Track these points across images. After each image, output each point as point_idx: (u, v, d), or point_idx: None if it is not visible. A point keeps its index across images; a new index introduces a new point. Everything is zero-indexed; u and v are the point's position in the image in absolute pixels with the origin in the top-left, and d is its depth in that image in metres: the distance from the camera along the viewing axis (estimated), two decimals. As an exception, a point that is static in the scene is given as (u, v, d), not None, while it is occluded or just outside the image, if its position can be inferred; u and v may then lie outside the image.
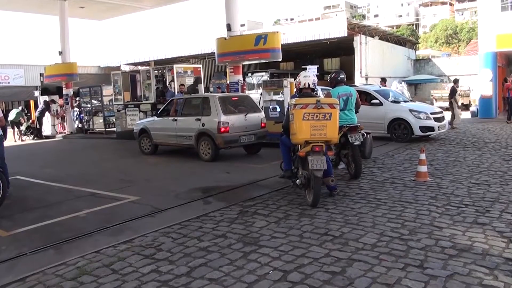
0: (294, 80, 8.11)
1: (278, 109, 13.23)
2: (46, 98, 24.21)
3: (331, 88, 9.11)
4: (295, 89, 8.11)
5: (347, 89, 8.83)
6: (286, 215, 6.32)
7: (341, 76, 8.97)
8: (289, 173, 7.57)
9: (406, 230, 5.40)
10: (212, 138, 11.57)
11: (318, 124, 6.69)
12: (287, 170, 7.62)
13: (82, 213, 7.19)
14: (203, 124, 11.79)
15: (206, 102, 12.09)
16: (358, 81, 28.20)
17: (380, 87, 16.46)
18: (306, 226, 5.73)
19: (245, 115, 12.03)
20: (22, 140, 22.65)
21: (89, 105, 22.95)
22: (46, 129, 23.66)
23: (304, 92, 7.41)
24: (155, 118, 13.78)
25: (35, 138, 23.22)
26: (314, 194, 6.59)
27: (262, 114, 12.60)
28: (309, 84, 7.41)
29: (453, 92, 18.26)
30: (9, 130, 22.48)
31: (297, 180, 7.07)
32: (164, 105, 13.91)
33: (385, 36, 34.81)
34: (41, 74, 27.11)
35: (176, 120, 12.62)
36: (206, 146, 11.82)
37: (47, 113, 23.46)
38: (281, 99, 13.25)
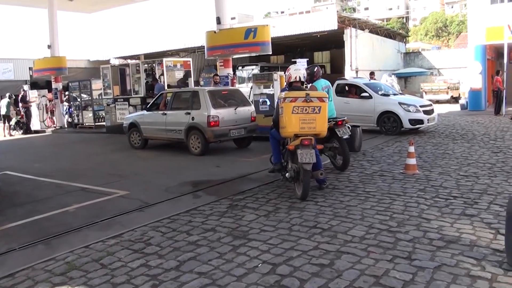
0: (284, 73, 8.08)
1: (268, 103, 13.21)
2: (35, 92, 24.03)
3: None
4: (285, 83, 8.12)
5: (326, 82, 9.10)
6: (275, 208, 6.34)
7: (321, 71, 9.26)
8: (279, 166, 7.58)
9: (395, 222, 5.44)
10: (202, 132, 11.54)
11: (307, 117, 6.69)
12: (277, 164, 7.64)
13: (71, 208, 7.17)
14: (192, 118, 11.75)
15: (196, 96, 12.04)
16: (349, 74, 28.20)
17: (369, 80, 16.51)
18: (295, 219, 5.75)
19: (235, 109, 12.00)
20: (11, 135, 22.46)
21: (78, 99, 22.82)
22: (35, 124, 23.52)
23: (294, 85, 7.37)
24: (145, 112, 13.72)
25: (28, 131, 22.98)
26: (303, 187, 6.61)
27: (252, 108, 12.58)
28: (299, 78, 7.38)
29: None
30: (0, 125, 22.41)
31: (287, 174, 7.12)
32: (154, 99, 13.85)
33: (375, 29, 34.80)
34: (30, 68, 26.89)
35: (165, 114, 12.57)
36: (196, 140, 11.79)
37: (35, 108, 23.32)
38: (271, 93, 13.23)
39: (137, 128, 13.56)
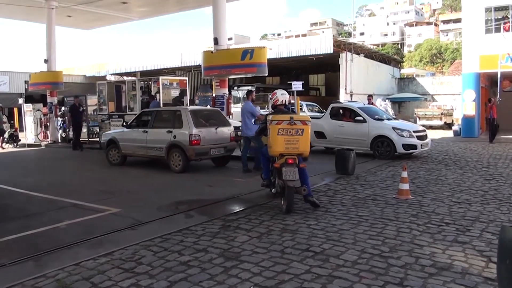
0: (270, 98, 8.51)
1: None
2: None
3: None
4: (270, 105, 8.64)
5: None
6: (268, 230, 6.32)
7: None
8: (268, 182, 8.31)
9: (387, 248, 5.43)
10: (183, 150, 11.74)
11: (291, 138, 7.32)
12: (266, 179, 8.37)
13: (62, 224, 7.10)
14: (174, 136, 11.95)
15: (178, 115, 12.24)
16: (343, 97, 28.40)
17: (364, 104, 16.61)
18: (288, 241, 5.74)
19: (216, 129, 12.30)
20: (2, 148, 22.32)
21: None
22: (29, 137, 23.36)
23: (278, 107, 8.05)
24: (125, 129, 13.83)
25: (78, 148, 22.27)
26: (287, 202, 7.19)
27: (231, 128, 12.83)
28: (285, 101, 8.13)
29: None
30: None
31: (273, 189, 7.79)
32: (135, 117, 13.94)
33: (370, 54, 35.20)
34: (26, 82, 26.86)
35: (147, 131, 12.71)
36: (177, 158, 11.97)
37: (31, 121, 23.18)
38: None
39: (116, 144, 13.63)
